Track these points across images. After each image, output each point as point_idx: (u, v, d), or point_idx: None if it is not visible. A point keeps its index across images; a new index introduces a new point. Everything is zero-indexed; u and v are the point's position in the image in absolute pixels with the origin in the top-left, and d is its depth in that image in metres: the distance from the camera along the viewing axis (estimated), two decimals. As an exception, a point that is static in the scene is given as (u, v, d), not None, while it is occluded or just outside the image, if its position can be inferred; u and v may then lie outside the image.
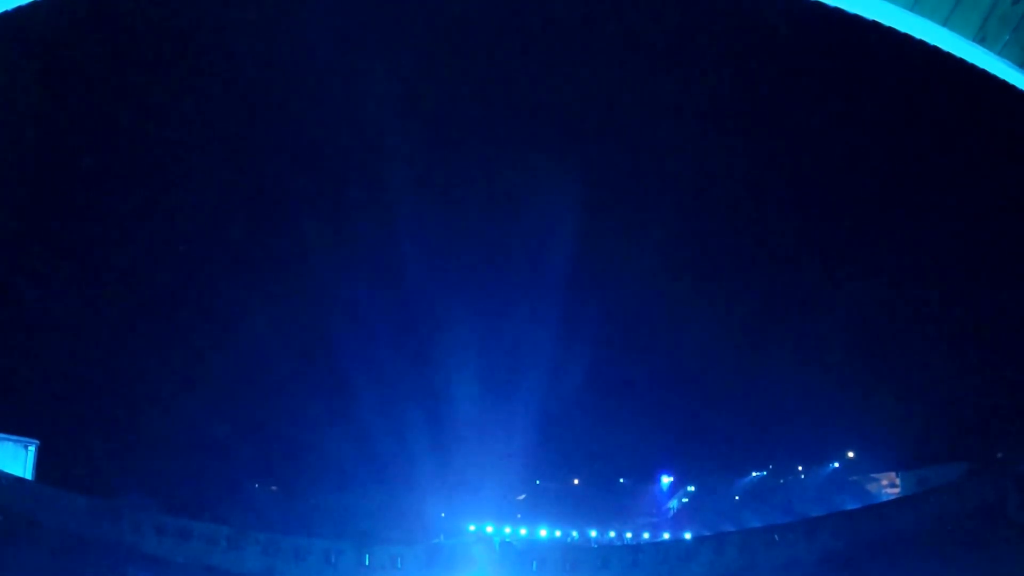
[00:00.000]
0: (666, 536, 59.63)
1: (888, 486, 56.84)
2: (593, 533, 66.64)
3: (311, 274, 60.97)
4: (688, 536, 53.45)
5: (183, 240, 61.81)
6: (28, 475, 37.56)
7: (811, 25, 39.11)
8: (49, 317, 53.78)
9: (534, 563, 33.45)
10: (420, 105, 65.59)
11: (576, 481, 72.67)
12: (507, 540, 57.21)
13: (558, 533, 65.18)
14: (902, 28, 4.37)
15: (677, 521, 64.98)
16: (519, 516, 66.94)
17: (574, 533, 66.16)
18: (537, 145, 69.13)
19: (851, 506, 47.33)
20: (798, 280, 62.10)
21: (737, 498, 64.59)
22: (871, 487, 57.95)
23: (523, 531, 64.49)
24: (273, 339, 58.27)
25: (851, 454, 61.40)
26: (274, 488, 62.99)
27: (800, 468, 65.52)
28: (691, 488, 69.96)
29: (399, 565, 32.20)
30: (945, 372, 49.43)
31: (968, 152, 54.56)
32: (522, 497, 69.20)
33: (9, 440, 37.39)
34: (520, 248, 65.99)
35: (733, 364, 62.12)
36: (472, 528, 63.01)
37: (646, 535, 63.48)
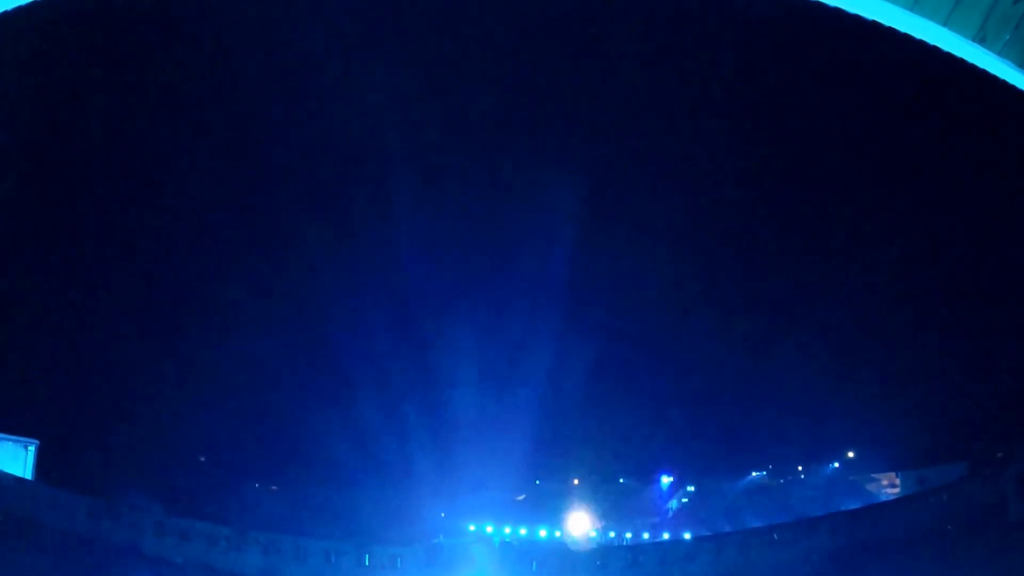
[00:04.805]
0: (666, 536, 59.52)
1: (888, 486, 56.83)
2: (593, 533, 66.54)
3: (312, 274, 61.07)
4: (688, 536, 53.40)
5: (183, 240, 61.88)
6: (28, 475, 37.51)
7: (811, 25, 39.19)
8: (49, 317, 53.82)
9: (534, 563, 33.50)
10: (423, 103, 65.64)
11: (576, 481, 72.55)
12: (507, 540, 57.19)
13: (558, 533, 65.09)
14: (902, 28, 4.38)
15: (677, 521, 64.84)
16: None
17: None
18: (541, 142, 69.33)
19: (851, 506, 47.30)
20: (798, 281, 62.14)
21: (737, 498, 64.47)
22: (871, 487, 57.94)
23: (523, 531, 64.42)
24: (273, 339, 58.37)
25: (851, 454, 61.37)
26: (274, 488, 62.94)
27: (800, 468, 65.44)
28: (691, 488, 69.83)
29: (399, 565, 32.25)
30: (945, 372, 49.46)
31: (968, 152, 54.63)
32: (522, 497, 69.10)
33: (9, 440, 37.33)
34: (521, 248, 66.02)
35: (733, 365, 62.20)
36: (472, 528, 62.96)
37: (646, 535, 63.38)
